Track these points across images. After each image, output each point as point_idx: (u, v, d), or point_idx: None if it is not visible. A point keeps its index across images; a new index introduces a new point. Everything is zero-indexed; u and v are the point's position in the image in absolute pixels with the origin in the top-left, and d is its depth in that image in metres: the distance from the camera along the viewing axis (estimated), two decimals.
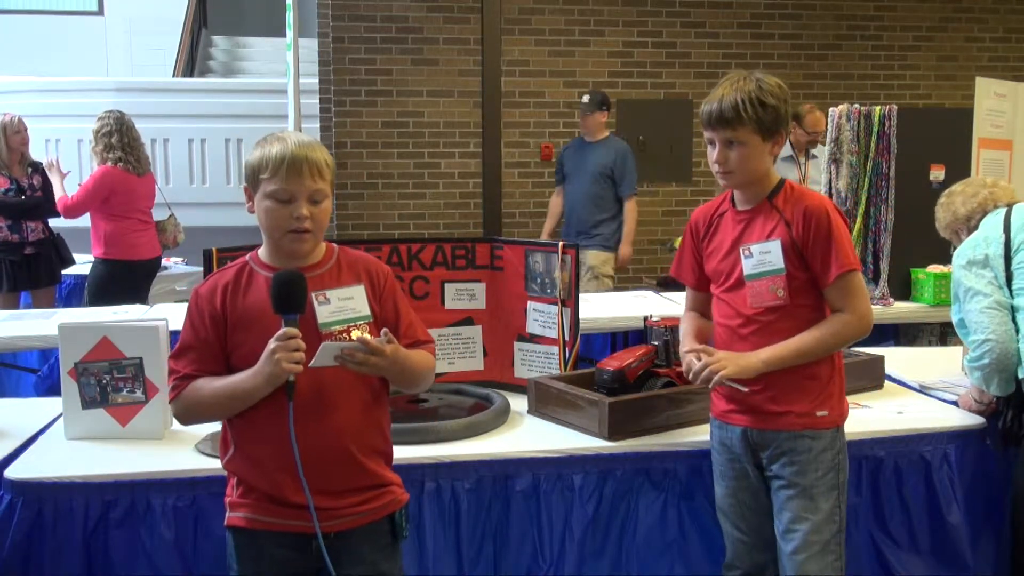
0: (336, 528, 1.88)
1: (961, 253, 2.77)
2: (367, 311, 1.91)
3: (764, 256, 2.18)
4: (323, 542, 1.81)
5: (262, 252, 1.94)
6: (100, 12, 12.70)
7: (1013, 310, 2.62)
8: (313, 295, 1.85)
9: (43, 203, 5.46)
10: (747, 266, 2.20)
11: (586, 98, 5.80)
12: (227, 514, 1.93)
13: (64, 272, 5.69)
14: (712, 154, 2.20)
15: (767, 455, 2.22)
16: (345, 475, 1.88)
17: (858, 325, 2.18)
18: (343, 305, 1.89)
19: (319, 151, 1.88)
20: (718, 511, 2.35)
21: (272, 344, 1.76)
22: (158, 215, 5.58)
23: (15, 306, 5.34)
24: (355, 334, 1.87)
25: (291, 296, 1.79)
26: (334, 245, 2.00)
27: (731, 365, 2.14)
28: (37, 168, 5.55)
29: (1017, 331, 2.59)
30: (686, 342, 2.35)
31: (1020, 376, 2.57)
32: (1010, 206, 2.80)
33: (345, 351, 1.76)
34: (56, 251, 5.55)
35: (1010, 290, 2.64)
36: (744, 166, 2.18)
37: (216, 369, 1.87)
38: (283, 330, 1.77)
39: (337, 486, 1.87)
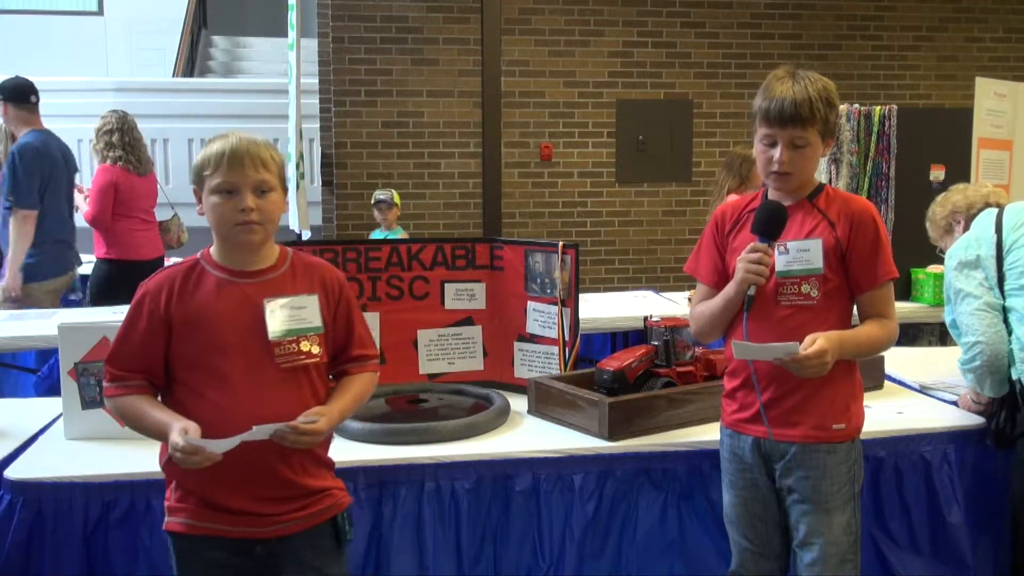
0: (276, 533, 1.88)
1: (952, 254, 2.78)
2: (319, 322, 1.91)
3: (801, 254, 2.09)
4: (266, 548, 1.86)
5: (213, 251, 1.93)
6: (100, 12, 12.68)
7: (1005, 311, 2.62)
8: (264, 303, 1.86)
9: None
10: (780, 262, 2.11)
11: None
12: (165, 518, 1.92)
13: None
14: (773, 153, 2.08)
15: (780, 467, 2.16)
16: (280, 484, 1.88)
17: (896, 333, 2.15)
18: (295, 314, 1.88)
19: (263, 146, 1.90)
20: (725, 519, 2.30)
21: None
22: (161, 215, 5.58)
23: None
24: (304, 345, 1.88)
25: (775, 223, 2.08)
26: (287, 248, 1.99)
27: (832, 348, 2.00)
28: None
29: (1009, 332, 2.59)
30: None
31: (1013, 377, 2.57)
32: (1002, 206, 2.81)
33: (276, 433, 1.77)
34: None
35: (1002, 291, 2.63)
36: (806, 167, 2.10)
37: (154, 366, 1.87)
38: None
39: (271, 495, 1.87)
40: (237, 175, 1.83)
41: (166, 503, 1.93)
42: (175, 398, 1.88)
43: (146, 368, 1.87)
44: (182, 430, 1.74)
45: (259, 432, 1.75)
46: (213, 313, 1.85)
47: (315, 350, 1.90)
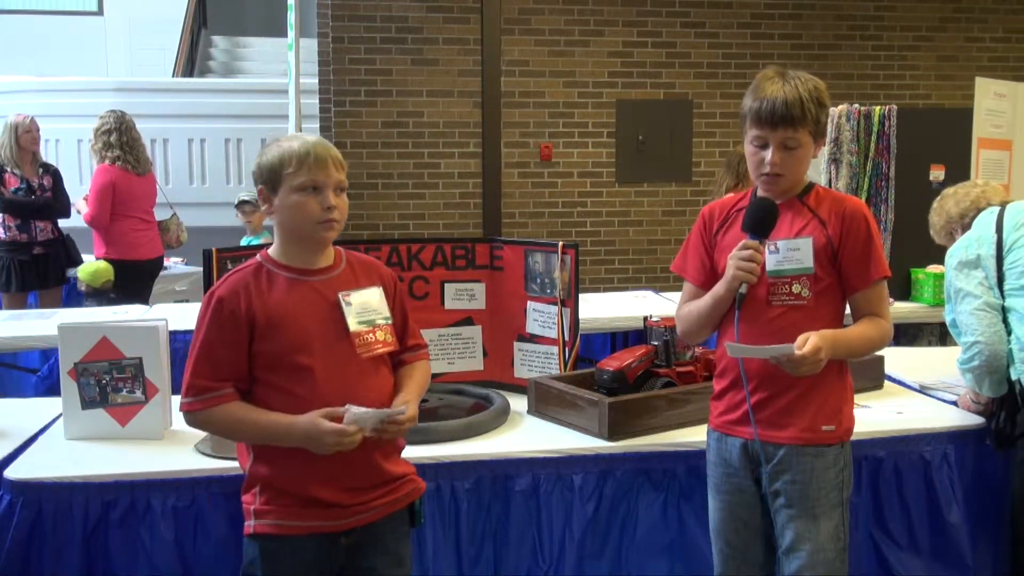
0: (361, 522, 1.93)
1: (953, 253, 2.77)
2: (387, 313, 2.00)
3: (791, 253, 2.06)
4: (351, 537, 1.93)
5: (274, 252, 1.96)
6: (100, 12, 12.68)
7: (1004, 311, 2.61)
8: (340, 296, 1.92)
9: (52, 203, 5.48)
10: (770, 261, 2.06)
11: None
12: (252, 522, 1.91)
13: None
14: (764, 155, 2.05)
15: (768, 470, 2.12)
16: (370, 473, 1.94)
17: (889, 333, 2.12)
18: (366, 306, 1.96)
19: (335, 148, 1.96)
20: (710, 525, 2.26)
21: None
22: (160, 215, 5.58)
23: (22, 306, 5.35)
24: (379, 334, 1.96)
25: (767, 221, 2.05)
26: (339, 248, 2.04)
27: (826, 347, 1.96)
28: (48, 169, 5.57)
29: (1008, 332, 2.59)
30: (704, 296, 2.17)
31: (1012, 377, 2.57)
32: (1003, 205, 2.80)
33: (380, 426, 1.85)
34: (65, 251, 5.57)
35: (1001, 291, 2.63)
36: (798, 169, 2.07)
37: (242, 371, 1.88)
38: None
39: (364, 483, 1.93)
40: (322, 174, 1.88)
41: (250, 507, 1.92)
42: (256, 398, 1.89)
43: (235, 374, 1.87)
44: (327, 416, 1.80)
45: (365, 420, 1.82)
46: (291, 311, 1.89)
47: (389, 339, 1.98)
